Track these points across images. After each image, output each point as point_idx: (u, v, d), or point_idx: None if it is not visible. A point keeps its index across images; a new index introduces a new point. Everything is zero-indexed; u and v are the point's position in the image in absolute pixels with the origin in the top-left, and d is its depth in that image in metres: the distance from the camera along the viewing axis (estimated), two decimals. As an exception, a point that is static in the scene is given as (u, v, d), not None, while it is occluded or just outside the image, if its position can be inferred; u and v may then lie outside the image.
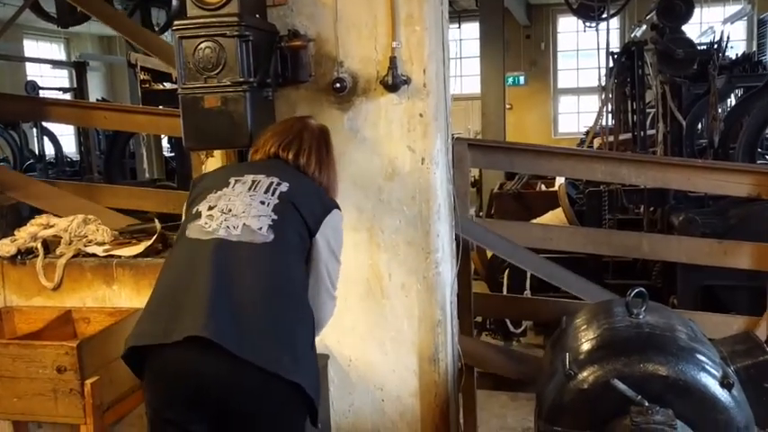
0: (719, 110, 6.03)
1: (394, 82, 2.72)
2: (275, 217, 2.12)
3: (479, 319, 5.35)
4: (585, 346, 2.44)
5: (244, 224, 2.09)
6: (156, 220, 3.43)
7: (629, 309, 2.51)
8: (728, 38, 6.37)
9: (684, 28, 5.75)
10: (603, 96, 7.47)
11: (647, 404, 2.15)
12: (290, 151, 2.34)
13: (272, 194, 2.16)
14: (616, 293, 3.30)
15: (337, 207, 2.31)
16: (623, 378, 2.26)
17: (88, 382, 2.67)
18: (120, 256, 3.21)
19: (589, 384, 2.30)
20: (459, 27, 16.26)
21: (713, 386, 2.22)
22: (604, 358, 2.33)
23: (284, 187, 2.19)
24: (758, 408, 2.35)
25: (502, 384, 4.20)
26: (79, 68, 9.89)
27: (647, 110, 7.03)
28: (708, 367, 2.26)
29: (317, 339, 2.19)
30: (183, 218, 2.28)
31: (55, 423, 3.02)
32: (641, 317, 2.48)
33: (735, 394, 2.24)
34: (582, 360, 2.37)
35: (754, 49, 13.25)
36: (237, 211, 2.12)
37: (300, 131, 2.40)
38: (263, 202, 2.14)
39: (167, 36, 8.17)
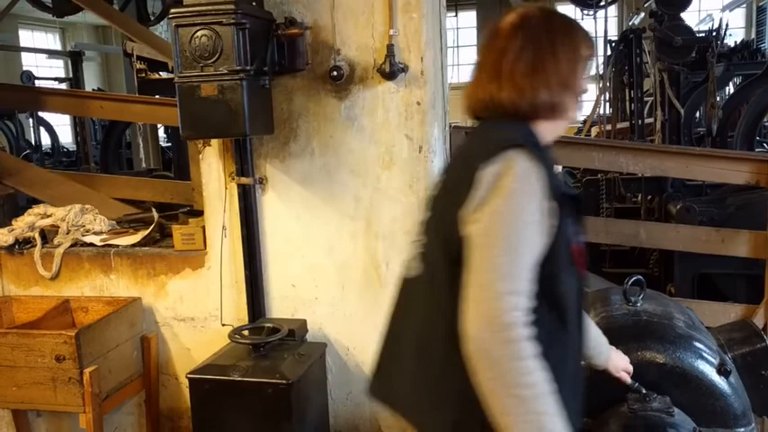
0: (718, 98, 6.01)
1: (391, 70, 2.71)
2: (425, 239, 1.62)
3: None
4: (583, 334, 2.44)
5: (413, 255, 1.67)
6: (154, 210, 3.43)
7: (627, 297, 2.51)
8: (727, 25, 6.37)
9: (683, 15, 5.73)
10: (601, 85, 7.45)
11: (644, 391, 2.16)
12: (480, 94, 1.60)
13: (427, 205, 1.67)
14: (613, 282, 3.31)
15: (505, 148, 1.45)
16: (621, 365, 2.26)
17: (87, 370, 2.67)
18: (117, 246, 3.21)
19: (586, 372, 2.30)
20: (456, 15, 16.20)
21: (710, 373, 2.23)
22: (602, 346, 2.34)
23: (439, 184, 1.65)
24: (755, 395, 2.36)
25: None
26: (75, 58, 9.84)
27: (645, 98, 7.02)
28: (705, 355, 2.26)
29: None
30: None
31: (54, 411, 3.03)
32: (638, 305, 2.48)
33: (732, 381, 2.25)
34: (579, 348, 2.38)
35: (753, 36, 13.22)
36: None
37: (493, 47, 1.62)
38: (421, 222, 1.67)
39: (163, 25, 8.14)
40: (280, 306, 3.01)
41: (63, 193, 3.75)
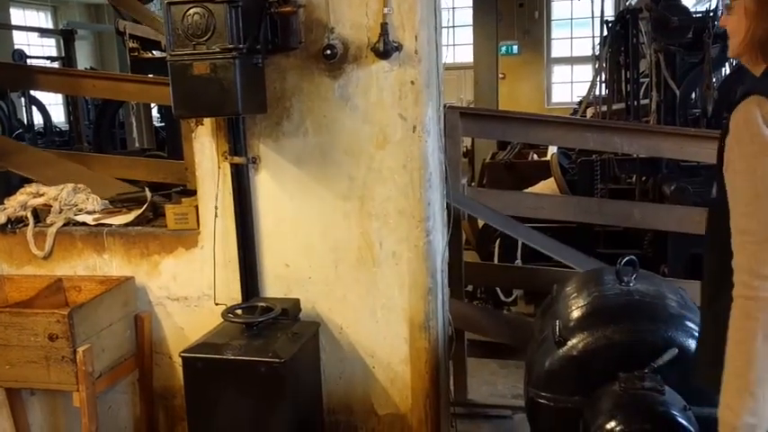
0: (714, 79, 5.99)
1: (385, 48, 2.69)
2: None
3: (470, 287, 5.37)
4: (575, 314, 2.46)
5: None
6: (147, 189, 3.41)
7: (620, 277, 2.52)
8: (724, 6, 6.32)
9: (679, -4, 5.71)
10: (597, 65, 7.42)
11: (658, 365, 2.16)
12: None
13: None
14: (607, 263, 3.32)
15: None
16: (613, 345, 2.28)
17: (80, 349, 2.68)
18: (110, 225, 3.20)
19: (579, 351, 2.32)
20: (453, -5, 16.08)
21: (701, 352, 2.24)
22: (594, 325, 2.35)
23: None
24: (745, 374, 2.37)
25: (492, 352, 4.24)
26: (67, 37, 9.74)
27: (641, 79, 6.99)
28: (696, 334, 2.27)
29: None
30: None
31: (47, 390, 3.03)
32: (631, 284, 2.50)
33: (722, 360, 2.26)
34: (572, 327, 2.39)
35: (749, 18, 13.12)
36: None
37: None
38: None
39: (156, 3, 8.05)
40: (273, 285, 3.01)
41: (58, 173, 3.72)
